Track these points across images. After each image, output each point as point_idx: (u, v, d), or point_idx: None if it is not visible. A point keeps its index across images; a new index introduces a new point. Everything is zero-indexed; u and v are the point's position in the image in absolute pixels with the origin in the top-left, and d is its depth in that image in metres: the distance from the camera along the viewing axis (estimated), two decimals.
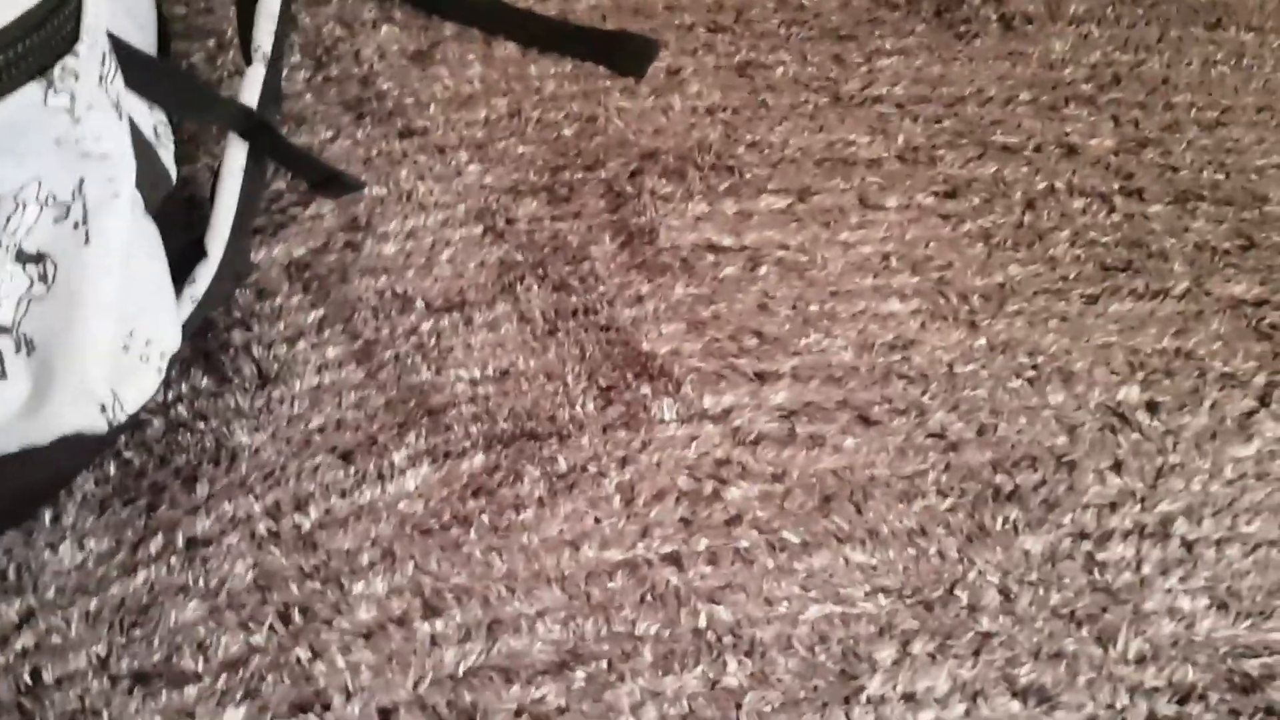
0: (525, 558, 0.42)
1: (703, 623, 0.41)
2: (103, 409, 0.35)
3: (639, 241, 0.51)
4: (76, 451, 0.36)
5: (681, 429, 0.45)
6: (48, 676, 0.39)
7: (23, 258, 0.33)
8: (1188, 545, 0.43)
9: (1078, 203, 0.53)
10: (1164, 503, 0.44)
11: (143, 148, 0.40)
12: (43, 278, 0.33)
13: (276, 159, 0.45)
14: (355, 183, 0.45)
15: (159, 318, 0.37)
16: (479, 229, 0.51)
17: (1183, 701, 0.39)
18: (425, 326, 0.48)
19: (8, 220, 0.31)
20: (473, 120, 0.56)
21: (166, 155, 0.43)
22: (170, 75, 0.42)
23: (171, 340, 0.37)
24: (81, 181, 0.33)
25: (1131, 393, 0.47)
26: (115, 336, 0.35)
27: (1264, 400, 0.46)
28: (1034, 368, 0.47)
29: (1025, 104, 0.57)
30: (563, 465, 0.44)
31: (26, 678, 0.39)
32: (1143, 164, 0.55)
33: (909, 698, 0.39)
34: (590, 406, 0.46)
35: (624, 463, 0.44)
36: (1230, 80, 0.59)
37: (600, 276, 0.50)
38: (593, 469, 0.44)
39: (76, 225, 0.34)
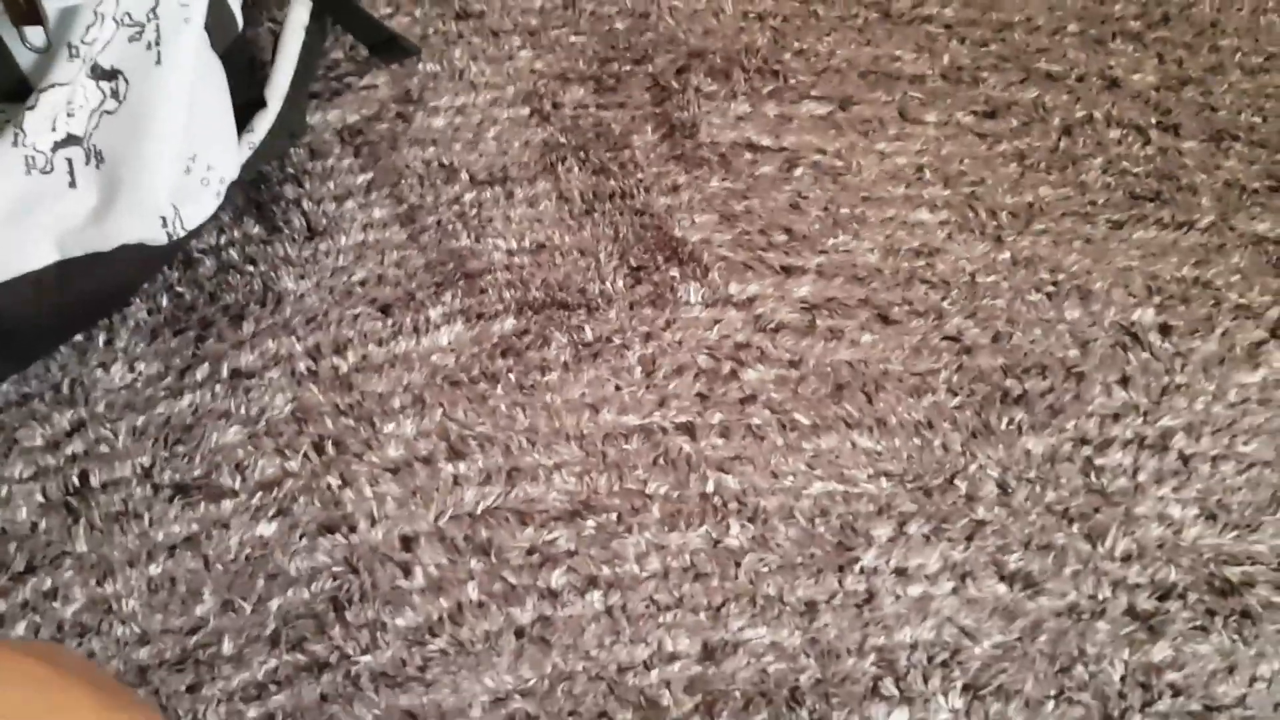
0: (547, 415, 0.44)
1: (710, 488, 0.43)
2: (164, 222, 0.37)
3: (680, 135, 0.52)
4: (136, 262, 0.38)
5: (705, 312, 0.47)
6: (95, 480, 0.42)
7: (98, 73, 0.35)
8: (1184, 459, 0.44)
9: (1114, 133, 0.54)
10: (1166, 418, 0.45)
11: None
12: (115, 94, 0.35)
13: (338, 18, 0.47)
14: (411, 47, 0.47)
15: (220, 146, 0.39)
16: (526, 110, 0.53)
17: (1163, 598, 0.41)
18: (468, 197, 0.50)
19: (87, 30, 0.33)
20: (528, 8, 0.57)
21: (234, 2, 0.45)
22: None
23: (230, 168, 0.39)
24: (156, 3, 0.35)
25: (1146, 314, 0.48)
26: (179, 157, 0.37)
27: (1275, 332, 0.47)
28: (1054, 284, 0.49)
29: (1072, 35, 0.58)
30: (589, 335, 0.46)
31: (75, 480, 0.42)
32: (1182, 101, 0.55)
33: (900, 572, 0.41)
34: (620, 283, 0.48)
35: (648, 338, 0.46)
36: (1279, 29, 0.59)
37: (639, 164, 0.51)
38: (617, 341, 0.46)
39: (150, 46, 0.35)
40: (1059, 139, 0.54)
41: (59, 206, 0.35)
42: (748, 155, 0.52)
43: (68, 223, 0.36)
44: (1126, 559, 0.42)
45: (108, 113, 0.35)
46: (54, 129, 0.34)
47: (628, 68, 0.55)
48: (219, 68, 0.40)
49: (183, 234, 0.38)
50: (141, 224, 0.36)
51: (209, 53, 0.39)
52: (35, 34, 0.33)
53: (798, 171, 0.52)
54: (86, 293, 0.39)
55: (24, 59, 0.34)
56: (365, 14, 0.46)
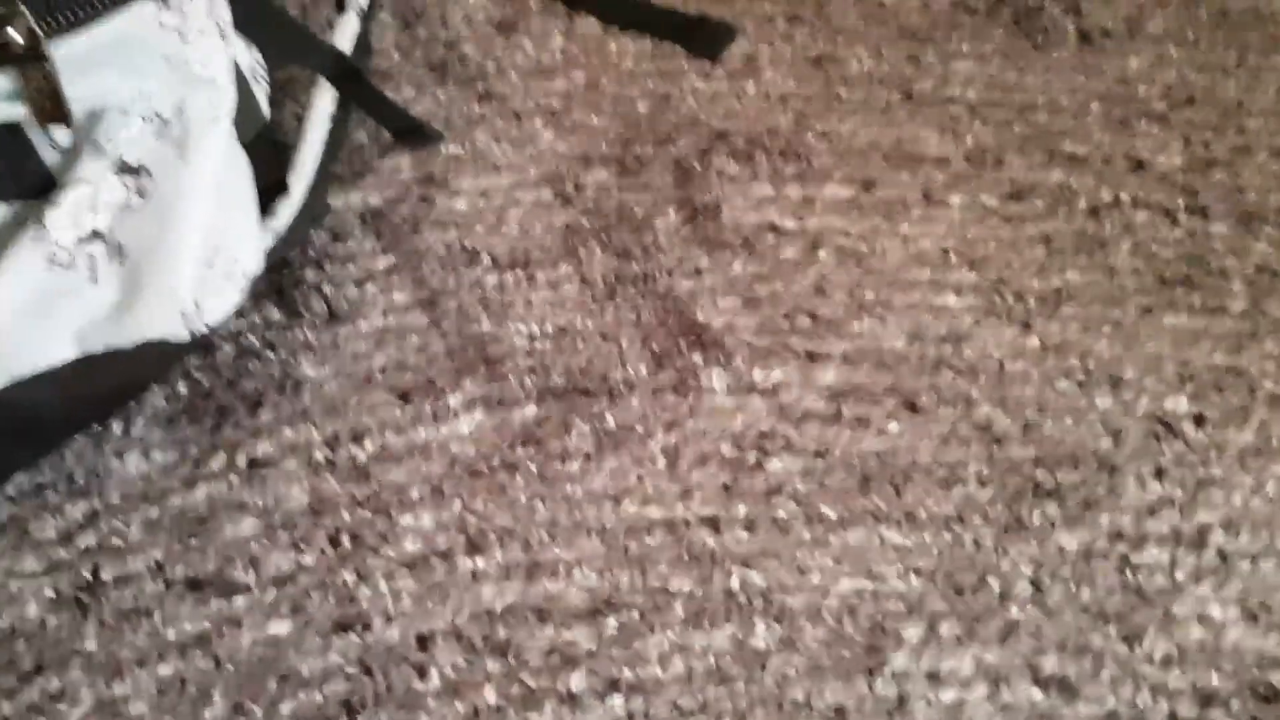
0: (568, 507, 0.43)
1: (735, 585, 0.42)
2: (184, 317, 0.36)
3: (702, 217, 0.52)
4: (156, 357, 0.37)
5: (729, 399, 0.46)
6: (106, 575, 0.41)
7: (123, 169, 0.35)
8: (1223, 556, 0.43)
9: (1141, 216, 0.53)
10: (1203, 513, 0.44)
11: (240, 84, 0.42)
12: (140, 191, 0.35)
13: (363, 105, 0.47)
14: (435, 133, 0.47)
15: (244, 240, 0.39)
16: (548, 193, 0.53)
17: (1205, 705, 0.39)
18: (489, 280, 0.50)
19: (113, 127, 0.33)
20: (551, 90, 0.57)
21: (260, 94, 0.45)
22: (270, 16, 0.44)
23: (254, 262, 0.39)
24: (184, 102, 0.35)
25: (1179, 404, 0.47)
26: (202, 252, 0.37)
27: None
28: (1084, 371, 0.48)
29: (1096, 116, 0.57)
30: (611, 423, 0.45)
31: (86, 574, 0.41)
32: (1209, 183, 0.55)
33: (933, 676, 0.40)
34: (642, 370, 0.47)
35: (671, 426, 0.45)
36: None
37: (662, 247, 0.51)
38: (640, 429, 0.45)
39: (176, 143, 0.35)
40: (1085, 222, 0.53)
41: (80, 302, 0.35)
42: (771, 238, 0.52)
43: (88, 318, 0.35)
44: (1166, 662, 0.40)
45: (131, 209, 0.35)
46: (77, 224, 0.34)
47: (650, 150, 0.55)
48: (244, 161, 0.40)
49: (204, 329, 0.37)
50: (163, 319, 0.36)
51: (235, 148, 0.39)
52: (62, 133, 0.33)
53: (822, 254, 0.51)
54: (106, 387, 0.38)
55: (49, 156, 0.33)
56: (390, 102, 0.46)
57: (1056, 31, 0.60)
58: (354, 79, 0.45)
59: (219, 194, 0.37)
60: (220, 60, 0.36)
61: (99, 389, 0.38)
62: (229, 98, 0.36)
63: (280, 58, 0.47)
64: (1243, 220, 0.53)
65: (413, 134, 0.47)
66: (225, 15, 0.37)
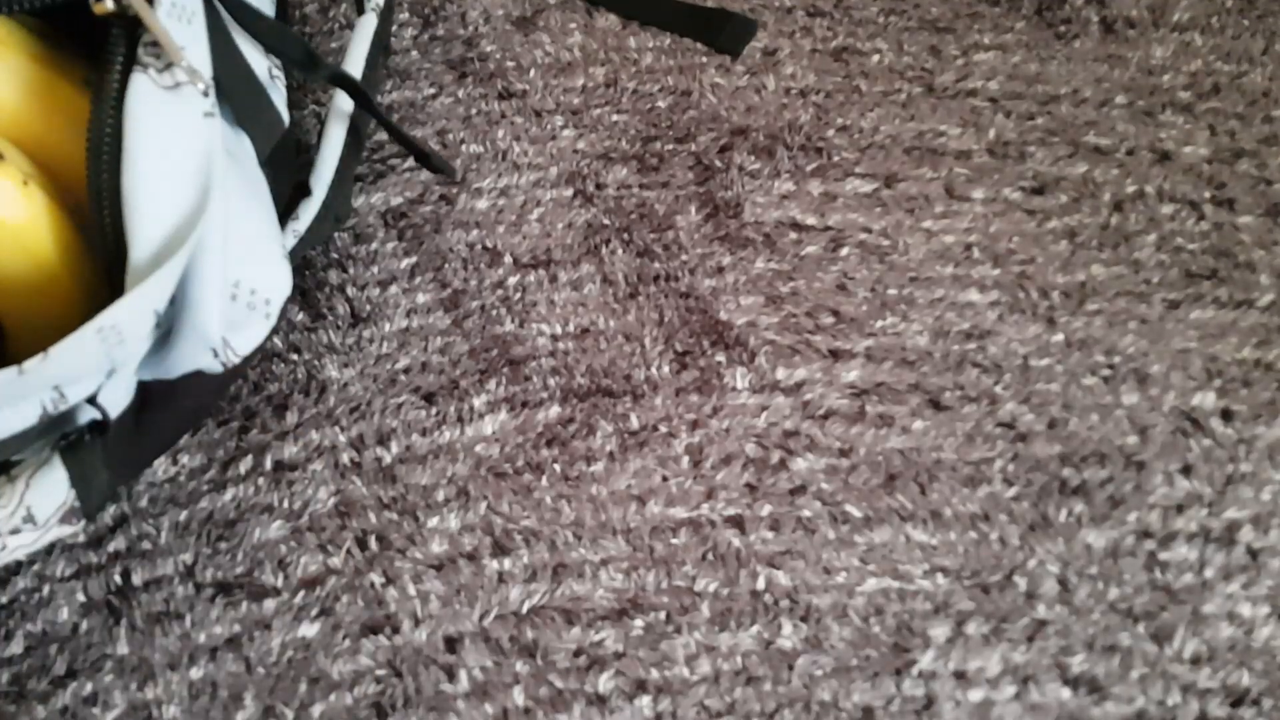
0: (593, 507, 0.43)
1: (761, 585, 0.42)
2: (215, 354, 0.36)
3: (724, 214, 0.52)
4: (204, 387, 0.37)
5: (753, 398, 0.46)
6: (137, 579, 0.41)
7: None
8: (1253, 553, 0.43)
9: (1167, 208, 0.53)
10: (1231, 509, 0.44)
11: (258, 91, 0.42)
12: None
13: (375, 117, 0.47)
14: (446, 167, 0.47)
15: (268, 269, 0.38)
16: (569, 191, 0.53)
17: (1236, 704, 0.39)
18: (512, 281, 0.50)
19: None
20: (570, 87, 0.57)
21: (279, 99, 0.45)
22: (282, 36, 0.44)
23: (280, 289, 0.38)
24: None
25: (1207, 399, 0.46)
26: (223, 287, 0.36)
27: None
28: (1110, 367, 0.47)
29: (1121, 107, 0.57)
30: (635, 423, 0.45)
31: (117, 578, 0.41)
32: (1236, 175, 0.54)
33: (960, 676, 0.40)
34: (665, 369, 0.47)
35: (694, 426, 0.45)
36: None
37: (683, 245, 0.51)
38: (664, 429, 0.45)
39: None
40: (1110, 215, 0.53)
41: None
42: (793, 234, 0.51)
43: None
44: (1196, 661, 0.40)
45: None
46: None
47: (670, 147, 0.54)
48: (264, 188, 0.39)
49: (236, 361, 0.37)
50: (194, 355, 0.36)
51: (253, 173, 0.39)
52: None
53: (844, 251, 0.51)
54: (169, 414, 0.38)
55: None
56: (401, 132, 0.45)
57: (1079, 21, 0.60)
58: (365, 101, 0.44)
59: (233, 228, 0.36)
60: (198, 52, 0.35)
61: (172, 414, 0.38)
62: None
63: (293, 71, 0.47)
64: (1270, 212, 0.53)
65: (425, 160, 0.47)
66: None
